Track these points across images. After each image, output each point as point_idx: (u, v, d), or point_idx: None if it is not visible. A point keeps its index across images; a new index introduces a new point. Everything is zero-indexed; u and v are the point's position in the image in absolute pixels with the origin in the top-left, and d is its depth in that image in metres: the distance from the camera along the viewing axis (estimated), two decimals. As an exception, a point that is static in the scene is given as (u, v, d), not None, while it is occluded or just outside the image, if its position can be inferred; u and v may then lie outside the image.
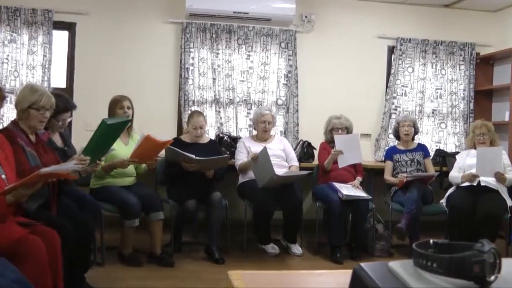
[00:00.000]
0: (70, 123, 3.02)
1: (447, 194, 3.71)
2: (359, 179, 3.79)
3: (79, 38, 4.25)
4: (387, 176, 3.93)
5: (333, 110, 4.03)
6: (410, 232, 3.45)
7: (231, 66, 4.39)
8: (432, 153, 4.39)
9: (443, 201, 3.71)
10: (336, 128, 3.82)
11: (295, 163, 3.82)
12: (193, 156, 3.25)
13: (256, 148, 3.64)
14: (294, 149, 4.09)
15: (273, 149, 3.71)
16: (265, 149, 3.40)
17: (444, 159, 4.27)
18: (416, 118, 4.47)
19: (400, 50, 4.63)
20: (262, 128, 3.78)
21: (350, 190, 3.59)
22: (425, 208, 3.62)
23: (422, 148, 4.03)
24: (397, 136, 4.08)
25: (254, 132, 3.97)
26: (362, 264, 0.71)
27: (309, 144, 4.23)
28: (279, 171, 3.49)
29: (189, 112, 4.12)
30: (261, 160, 3.42)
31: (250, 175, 3.61)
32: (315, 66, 4.59)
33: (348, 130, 3.87)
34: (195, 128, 3.50)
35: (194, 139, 3.56)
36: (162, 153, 3.35)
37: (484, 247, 0.63)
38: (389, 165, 3.96)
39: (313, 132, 4.19)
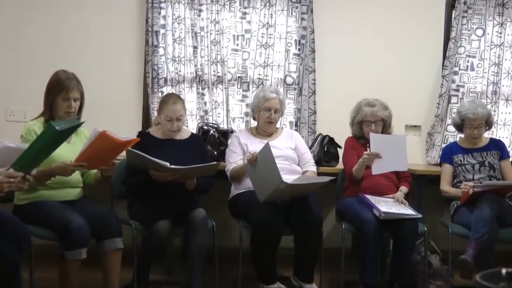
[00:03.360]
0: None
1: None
2: (404, 189, 3.77)
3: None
4: (445, 186, 3.91)
5: (365, 92, 4.01)
6: (479, 267, 3.41)
7: (220, 29, 4.37)
8: (512, 153, 4.36)
9: (530, 222, 3.70)
10: (368, 121, 3.80)
11: (312, 167, 3.82)
12: (167, 164, 3.25)
13: (256, 146, 3.63)
14: (310, 148, 4.09)
15: (280, 147, 3.71)
16: (267, 146, 3.39)
17: (532, 161, 4.23)
18: (490, 104, 4.43)
19: (465, 3, 4.58)
20: (265, 119, 3.78)
21: (391, 205, 3.58)
22: (502, 233, 3.60)
23: (496, 145, 4.01)
24: (459, 128, 4.05)
25: (254, 124, 3.95)
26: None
27: (331, 140, 4.21)
28: (288, 178, 3.47)
29: (160, 95, 4.10)
30: (263, 163, 3.41)
31: (248, 184, 3.61)
32: (340, 29, 4.57)
33: (385, 122, 3.84)
34: (170, 120, 3.50)
35: (167, 134, 3.55)
36: (123, 153, 3.33)
37: None
38: (447, 170, 3.94)
39: (337, 124, 4.18)
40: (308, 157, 3.85)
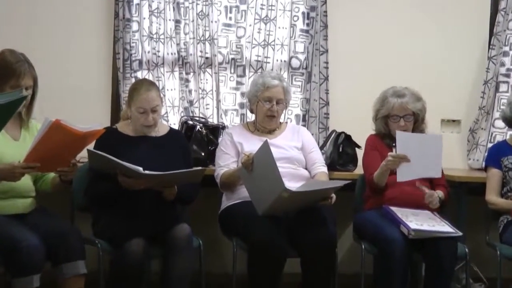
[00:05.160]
0: None
1: None
2: (440, 194, 3.74)
3: None
4: (492, 197, 3.91)
5: (391, 79, 4.04)
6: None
7: (209, -1, 4.41)
8: None
9: None
10: (395, 115, 3.79)
11: (322, 167, 3.85)
12: (140, 168, 3.24)
13: (253, 145, 3.64)
14: (322, 148, 4.12)
15: (283, 146, 3.75)
16: (266, 145, 3.38)
17: None
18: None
19: (517, -35, 4.61)
20: (265, 111, 3.81)
21: (422, 220, 3.57)
22: None
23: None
24: (510, 122, 4.04)
25: (251, 117, 3.99)
26: None
27: (348, 138, 4.23)
28: (293, 185, 3.48)
29: (133, 81, 4.08)
30: (261, 166, 3.41)
31: (243, 193, 3.62)
32: (359, -1, 4.61)
33: (417, 117, 3.85)
34: (144, 113, 3.49)
35: (140, 131, 3.55)
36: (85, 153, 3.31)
37: None
38: (495, 176, 3.95)
39: (355, 118, 4.23)
40: (316, 156, 3.85)
